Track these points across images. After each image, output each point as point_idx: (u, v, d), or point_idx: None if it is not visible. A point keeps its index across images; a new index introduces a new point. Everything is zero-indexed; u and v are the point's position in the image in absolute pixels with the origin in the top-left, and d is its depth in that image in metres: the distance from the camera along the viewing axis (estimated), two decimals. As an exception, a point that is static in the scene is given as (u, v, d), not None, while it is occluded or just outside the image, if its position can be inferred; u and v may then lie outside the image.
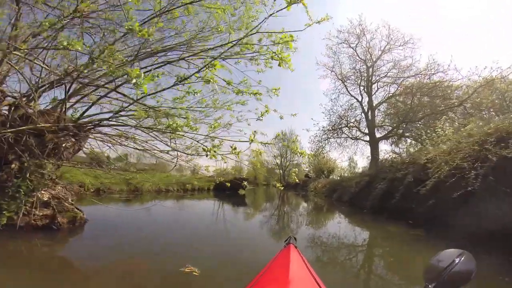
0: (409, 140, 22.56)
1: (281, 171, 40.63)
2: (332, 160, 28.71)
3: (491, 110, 14.36)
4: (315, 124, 20.37)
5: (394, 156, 10.51)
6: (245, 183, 17.18)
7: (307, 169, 34.80)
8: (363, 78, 20.62)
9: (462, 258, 0.89)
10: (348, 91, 21.09)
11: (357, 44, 20.31)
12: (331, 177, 28.16)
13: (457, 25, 34.48)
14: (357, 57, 20.56)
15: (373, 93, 19.79)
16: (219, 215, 8.10)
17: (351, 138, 20.28)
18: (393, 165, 8.41)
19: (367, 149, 22.95)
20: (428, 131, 13.34)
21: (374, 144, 18.60)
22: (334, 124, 19.85)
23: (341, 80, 21.19)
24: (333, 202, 12.68)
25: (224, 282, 2.72)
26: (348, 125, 19.76)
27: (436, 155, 6.05)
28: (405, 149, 23.27)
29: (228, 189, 15.69)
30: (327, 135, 20.21)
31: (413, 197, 5.95)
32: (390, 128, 19.01)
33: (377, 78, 19.87)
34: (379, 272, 3.58)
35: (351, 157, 33.32)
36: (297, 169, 41.48)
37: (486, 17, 32.89)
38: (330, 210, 10.63)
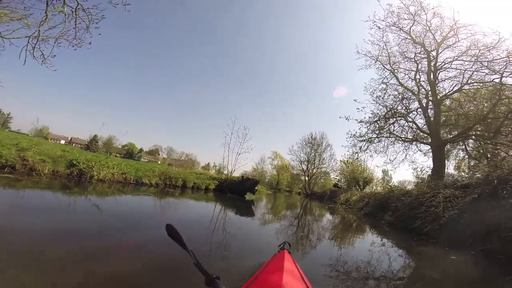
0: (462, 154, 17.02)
1: (306, 178, 35.16)
2: (370, 170, 23.02)
3: None
4: (360, 109, 14.81)
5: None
6: (257, 187, 12.67)
7: (337, 178, 29.05)
8: (419, 67, 15.28)
9: None
10: (399, 82, 15.80)
11: (412, 26, 15.18)
12: (366, 189, 22.50)
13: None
14: (412, 41, 15.35)
15: (437, 83, 14.25)
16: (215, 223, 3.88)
17: (403, 140, 14.72)
18: None
19: (420, 158, 17.21)
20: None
21: (438, 148, 12.96)
22: (389, 111, 14.44)
23: (390, 70, 16.08)
24: (383, 227, 7.60)
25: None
26: (407, 116, 14.31)
27: None
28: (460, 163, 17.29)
29: (232, 192, 11.38)
30: (376, 126, 14.63)
31: None
32: (460, 128, 13.18)
33: (442, 64, 14.32)
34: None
35: (385, 170, 27.21)
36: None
37: None
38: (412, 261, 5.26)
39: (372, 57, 16.54)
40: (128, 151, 75.31)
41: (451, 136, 13.58)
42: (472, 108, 13.32)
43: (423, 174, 16.44)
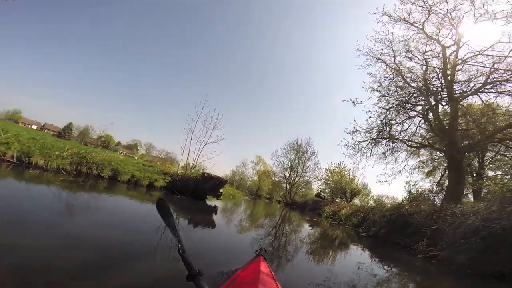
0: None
1: (287, 186, 31.82)
2: (358, 180, 20.09)
3: None
4: (371, 90, 12.28)
5: None
6: (222, 189, 9.08)
7: (320, 187, 25.81)
8: (429, 64, 12.71)
9: None
10: (406, 81, 13.12)
11: (426, 20, 12.56)
12: (353, 201, 19.54)
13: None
14: (425, 36, 12.72)
15: (454, 82, 11.57)
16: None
17: (409, 145, 11.85)
18: None
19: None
20: None
21: (455, 156, 10.05)
22: (401, 102, 11.61)
23: (395, 69, 13.36)
24: (443, 276, 4.21)
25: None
26: (421, 114, 11.55)
27: None
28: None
29: (183, 193, 7.74)
30: (387, 119, 11.72)
31: None
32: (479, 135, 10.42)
33: (461, 61, 11.70)
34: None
35: (365, 183, 24.50)
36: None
37: None
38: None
39: (374, 56, 13.74)
40: (104, 143, 68.94)
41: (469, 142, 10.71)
42: (491, 113, 10.75)
43: (416, 189, 13.62)
